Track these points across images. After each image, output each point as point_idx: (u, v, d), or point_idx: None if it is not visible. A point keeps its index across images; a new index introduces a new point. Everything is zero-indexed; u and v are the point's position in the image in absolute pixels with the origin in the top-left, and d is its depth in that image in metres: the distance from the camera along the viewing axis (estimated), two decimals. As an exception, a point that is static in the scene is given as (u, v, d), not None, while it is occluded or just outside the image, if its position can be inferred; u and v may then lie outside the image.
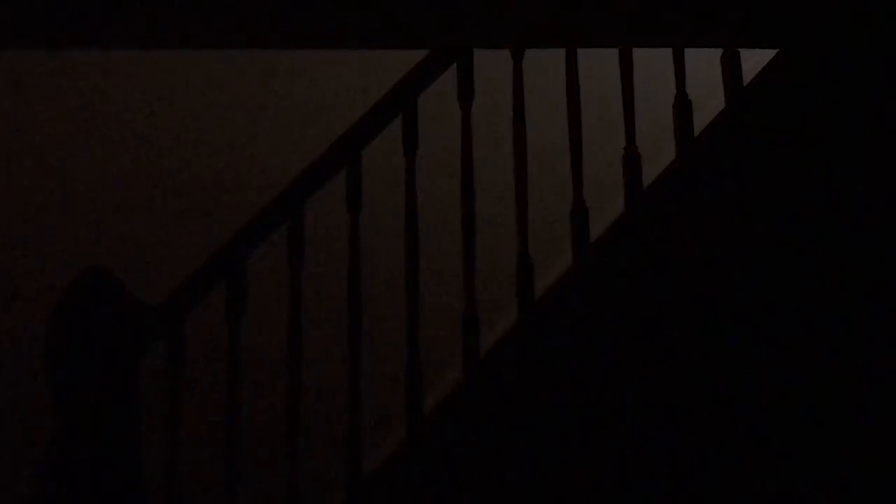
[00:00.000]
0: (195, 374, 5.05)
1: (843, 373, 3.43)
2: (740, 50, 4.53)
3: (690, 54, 4.88)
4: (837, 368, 3.43)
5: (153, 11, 3.21)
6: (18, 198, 4.72)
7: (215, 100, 4.65)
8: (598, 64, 4.82)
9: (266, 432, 5.15)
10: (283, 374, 5.09)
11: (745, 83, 4.92)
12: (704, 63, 4.92)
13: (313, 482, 5.25)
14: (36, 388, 4.97)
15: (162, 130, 4.68)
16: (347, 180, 3.55)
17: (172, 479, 3.39)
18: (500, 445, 3.33)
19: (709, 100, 4.99)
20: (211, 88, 4.61)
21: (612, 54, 4.83)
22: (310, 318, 5.05)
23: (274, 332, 5.04)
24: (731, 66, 3.55)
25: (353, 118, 4.76)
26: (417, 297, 3.43)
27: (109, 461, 3.06)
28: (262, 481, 5.19)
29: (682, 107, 3.52)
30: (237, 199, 4.83)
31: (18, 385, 4.95)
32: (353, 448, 3.36)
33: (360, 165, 3.57)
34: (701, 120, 4.99)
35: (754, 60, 4.88)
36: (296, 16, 3.28)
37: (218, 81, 4.61)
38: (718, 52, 4.93)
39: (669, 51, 4.89)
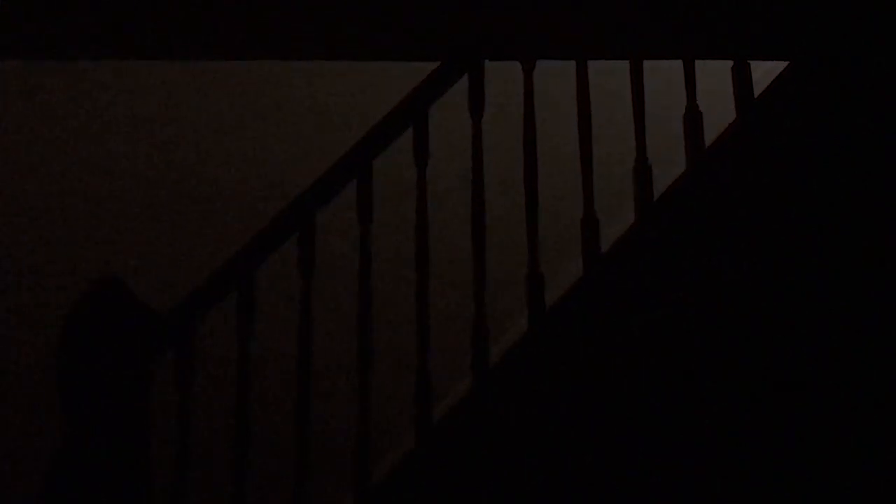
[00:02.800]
0: (205, 381, 5.06)
1: (849, 380, 3.43)
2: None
3: (701, 65, 4.89)
4: (846, 380, 3.43)
5: (168, 23, 3.23)
6: (32, 205, 4.74)
7: (228, 108, 4.67)
8: (609, 73, 4.83)
9: (275, 439, 5.16)
10: (293, 381, 5.10)
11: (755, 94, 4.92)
12: (716, 74, 4.92)
13: (322, 490, 5.26)
14: (47, 394, 4.99)
15: (174, 138, 4.70)
16: (358, 191, 3.57)
17: (181, 485, 3.40)
18: (510, 455, 3.33)
19: (719, 111, 5.00)
20: (224, 96, 4.63)
21: (623, 63, 4.83)
22: (320, 325, 5.06)
23: (284, 340, 5.06)
24: (741, 78, 3.55)
25: (366, 126, 4.78)
26: (427, 305, 3.44)
27: (119, 468, 3.08)
28: (270, 488, 5.20)
29: (693, 118, 3.52)
30: (249, 207, 4.85)
31: (30, 391, 4.97)
32: (362, 456, 3.37)
33: (372, 176, 3.58)
34: (711, 130, 4.99)
35: (762, 70, 4.88)
36: (310, 27, 3.29)
37: (231, 89, 4.62)
38: (729, 62, 4.93)
39: (680, 61, 4.89)
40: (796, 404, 3.42)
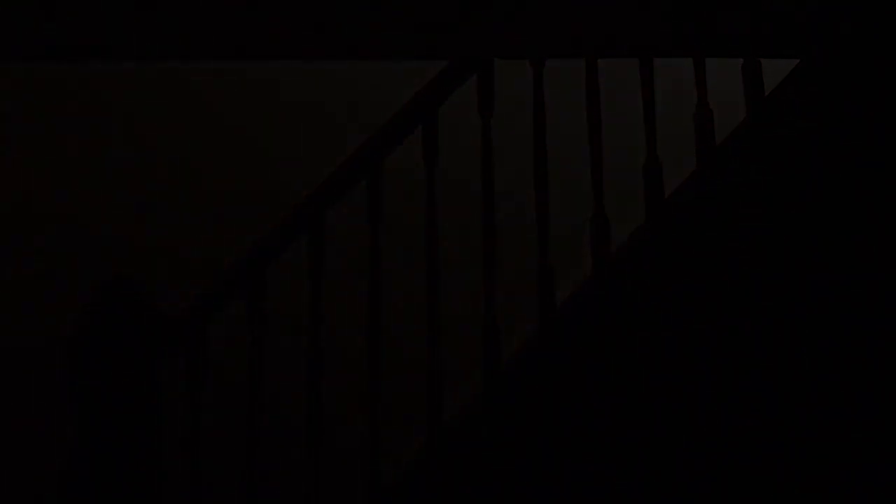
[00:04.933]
0: (216, 381, 5.06)
1: (858, 380, 3.42)
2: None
3: (711, 63, 4.88)
4: (858, 380, 3.42)
5: (168, 22, 3.23)
6: (44, 207, 4.74)
7: (238, 109, 4.66)
8: (620, 70, 4.82)
9: (286, 440, 5.16)
10: (304, 381, 5.10)
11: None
12: (726, 71, 4.91)
13: (333, 491, 5.26)
14: (59, 393, 5.00)
15: (185, 139, 4.70)
16: (369, 191, 3.56)
17: (193, 485, 3.40)
18: (522, 457, 3.32)
19: (729, 109, 4.98)
20: (234, 98, 4.63)
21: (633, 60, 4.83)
22: (330, 325, 5.06)
23: (294, 339, 5.05)
24: (751, 76, 3.54)
25: (375, 126, 4.77)
26: (437, 305, 3.43)
27: (129, 468, 3.08)
28: (281, 489, 5.20)
29: (703, 116, 3.51)
30: (259, 207, 4.85)
31: (42, 391, 4.97)
32: (373, 457, 3.36)
33: (382, 175, 3.57)
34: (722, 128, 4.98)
35: (771, 69, 4.87)
36: (317, 26, 3.29)
37: (239, 91, 4.62)
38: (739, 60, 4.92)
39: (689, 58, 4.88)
40: (808, 408, 3.40)
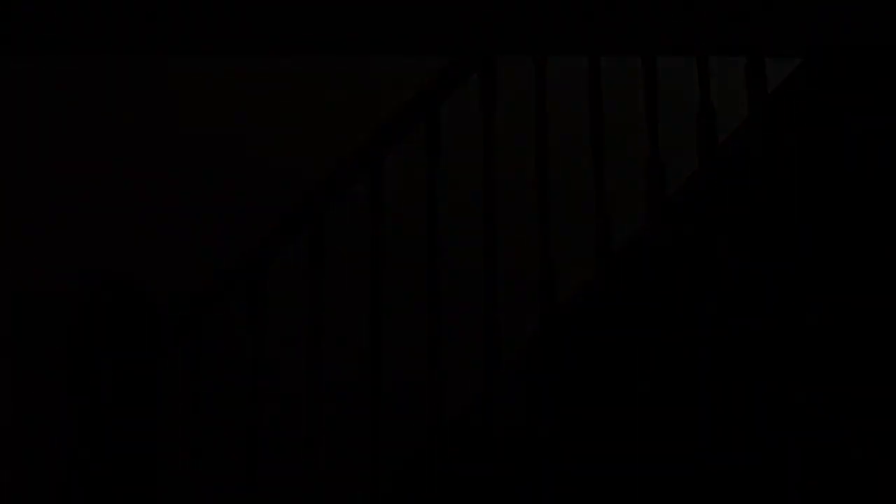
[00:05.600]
0: (216, 381, 5.05)
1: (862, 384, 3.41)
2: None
3: (713, 61, 4.87)
4: (863, 383, 3.41)
5: (170, 17, 3.21)
6: (45, 206, 4.73)
7: (239, 108, 4.66)
8: (621, 69, 4.81)
9: (286, 439, 5.15)
10: (304, 381, 5.09)
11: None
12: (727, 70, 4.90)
13: (333, 491, 5.25)
14: (58, 390, 4.99)
15: (185, 138, 4.69)
16: (370, 188, 3.55)
17: (192, 484, 3.40)
18: (522, 457, 3.32)
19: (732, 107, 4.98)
20: (234, 96, 4.63)
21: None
22: (330, 325, 5.05)
23: (294, 339, 5.05)
24: (754, 74, 3.53)
25: (378, 122, 4.76)
26: (438, 305, 3.42)
27: (129, 467, 3.07)
28: (281, 489, 5.19)
29: (706, 115, 3.50)
30: (259, 207, 4.84)
31: (43, 391, 4.97)
32: (374, 457, 3.36)
33: (382, 175, 3.56)
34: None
35: (772, 67, 4.86)
36: (316, 21, 3.28)
37: (240, 89, 4.62)
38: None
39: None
40: (811, 409, 3.40)
